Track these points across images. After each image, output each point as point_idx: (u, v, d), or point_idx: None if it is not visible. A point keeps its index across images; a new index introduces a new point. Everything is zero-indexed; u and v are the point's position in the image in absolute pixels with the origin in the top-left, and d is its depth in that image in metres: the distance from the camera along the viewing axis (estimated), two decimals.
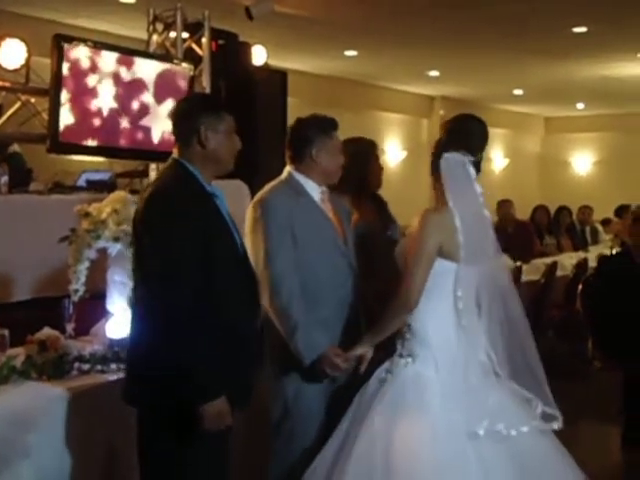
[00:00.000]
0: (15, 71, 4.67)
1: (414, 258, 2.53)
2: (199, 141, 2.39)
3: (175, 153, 2.47)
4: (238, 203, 2.79)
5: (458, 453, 2.38)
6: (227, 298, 2.35)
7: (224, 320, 2.33)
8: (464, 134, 2.65)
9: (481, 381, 2.51)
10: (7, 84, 4.72)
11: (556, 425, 2.54)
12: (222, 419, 2.27)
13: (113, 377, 2.86)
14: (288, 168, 2.89)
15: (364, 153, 3.29)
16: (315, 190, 2.84)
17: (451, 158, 2.59)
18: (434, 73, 10.70)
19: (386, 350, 2.65)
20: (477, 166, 2.65)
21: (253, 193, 3.14)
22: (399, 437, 2.39)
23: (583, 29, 7.82)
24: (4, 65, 4.57)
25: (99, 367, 2.90)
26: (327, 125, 2.85)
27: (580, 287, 5.27)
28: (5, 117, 4.78)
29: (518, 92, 12.34)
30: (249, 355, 2.45)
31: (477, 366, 2.53)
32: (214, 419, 2.25)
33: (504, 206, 7.67)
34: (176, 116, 2.50)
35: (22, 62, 4.64)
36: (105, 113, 4.68)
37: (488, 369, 2.54)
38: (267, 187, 2.85)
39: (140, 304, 2.40)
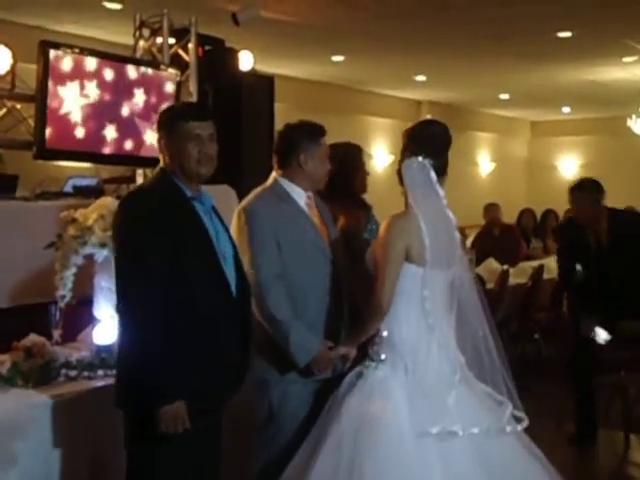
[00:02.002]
0: (0, 77, 4.65)
1: (382, 264, 2.57)
2: (165, 150, 2.47)
3: (161, 162, 2.54)
4: (225, 208, 2.80)
5: (422, 453, 2.40)
6: (196, 302, 2.35)
7: (192, 324, 2.34)
8: (424, 138, 2.68)
9: (447, 378, 2.53)
10: None
11: (519, 427, 2.56)
12: (178, 423, 2.30)
13: (100, 383, 2.86)
14: (274, 174, 2.90)
15: (352, 158, 3.30)
16: (300, 196, 2.86)
17: (411, 163, 2.63)
18: (421, 78, 10.74)
19: (361, 353, 2.68)
20: (442, 169, 2.68)
21: (240, 198, 3.14)
22: (365, 441, 2.41)
23: (567, 34, 7.87)
24: None
25: (86, 373, 2.90)
26: (315, 131, 2.86)
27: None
28: None
29: (504, 96, 12.40)
30: (223, 360, 2.44)
31: (444, 362, 2.56)
32: (170, 422, 2.29)
33: (491, 210, 7.72)
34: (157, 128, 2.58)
35: (7, 68, 4.62)
36: (92, 119, 4.67)
37: (457, 369, 2.57)
38: (252, 194, 2.87)
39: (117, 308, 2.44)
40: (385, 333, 2.60)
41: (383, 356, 2.59)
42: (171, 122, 2.48)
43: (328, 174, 2.94)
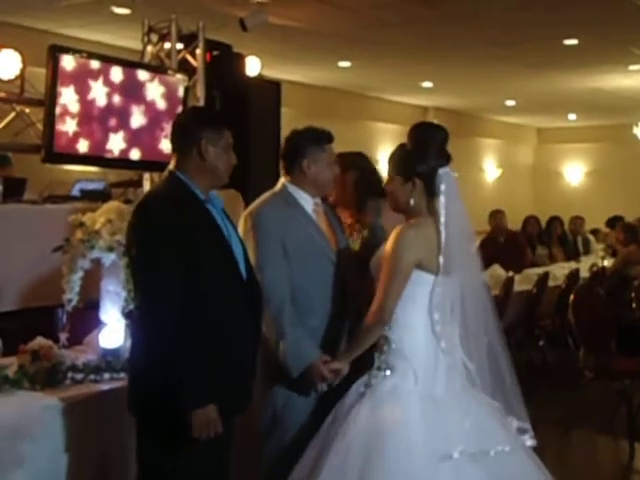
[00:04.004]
0: (10, 82, 4.68)
1: (388, 275, 2.50)
2: (199, 153, 2.43)
3: (172, 165, 2.50)
4: (232, 212, 2.81)
5: (434, 471, 2.34)
6: (219, 305, 2.36)
7: (215, 326, 2.35)
8: (439, 146, 2.61)
9: (458, 396, 2.49)
10: (2, 94, 4.72)
11: (529, 441, 2.53)
12: (211, 427, 2.29)
13: (106, 387, 2.87)
14: (282, 179, 2.91)
15: None
16: (308, 202, 2.86)
17: (447, 175, 2.55)
18: (427, 84, 10.75)
19: (361, 362, 2.62)
20: None
21: (247, 202, 3.15)
22: (375, 451, 2.35)
23: (574, 41, 7.88)
24: None
25: (92, 377, 2.91)
26: (320, 137, 2.86)
27: (572, 297, 5.29)
28: None
29: (510, 103, 12.40)
30: (244, 362, 2.45)
31: (455, 378, 2.52)
32: (203, 427, 2.27)
33: (496, 216, 7.72)
34: (177, 128, 2.54)
35: (17, 73, 4.64)
36: (100, 123, 4.70)
37: (464, 380, 2.53)
38: (260, 199, 2.88)
39: (136, 314, 2.44)
40: (393, 341, 2.54)
41: (392, 364, 2.53)
42: (219, 127, 2.48)
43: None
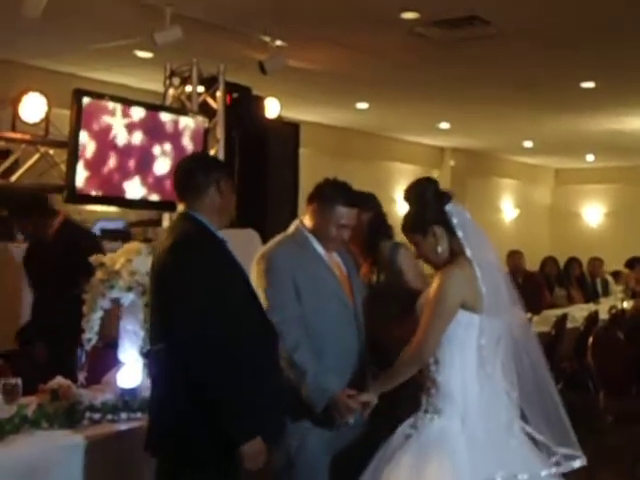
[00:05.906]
0: (35, 124, 4.78)
1: (433, 314, 2.51)
2: (219, 191, 2.53)
3: (182, 207, 2.57)
4: (250, 252, 2.84)
5: None
6: (252, 340, 2.43)
7: (252, 360, 2.42)
8: (433, 191, 2.64)
9: (500, 429, 2.49)
10: (27, 136, 4.82)
11: (577, 462, 2.53)
12: (261, 458, 2.38)
13: (124, 427, 2.88)
14: (297, 221, 2.94)
15: None
16: (320, 244, 2.89)
17: (453, 208, 2.60)
18: (445, 125, 10.83)
19: (398, 402, 2.63)
20: None
21: (265, 243, 3.18)
22: None
23: (591, 84, 7.93)
24: (25, 119, 4.67)
25: (110, 416, 2.92)
26: (338, 197, 2.84)
27: (591, 339, 5.24)
28: (24, 169, 4.88)
29: (528, 144, 12.43)
30: (276, 392, 2.51)
31: (498, 408, 2.52)
32: (254, 458, 2.35)
33: (514, 257, 7.69)
34: (196, 169, 2.59)
35: (42, 116, 4.74)
36: (121, 164, 4.78)
37: (508, 411, 2.53)
38: (272, 241, 2.92)
39: (168, 356, 2.41)
40: (441, 384, 2.53)
41: (439, 407, 2.52)
42: (226, 168, 2.67)
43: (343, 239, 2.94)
